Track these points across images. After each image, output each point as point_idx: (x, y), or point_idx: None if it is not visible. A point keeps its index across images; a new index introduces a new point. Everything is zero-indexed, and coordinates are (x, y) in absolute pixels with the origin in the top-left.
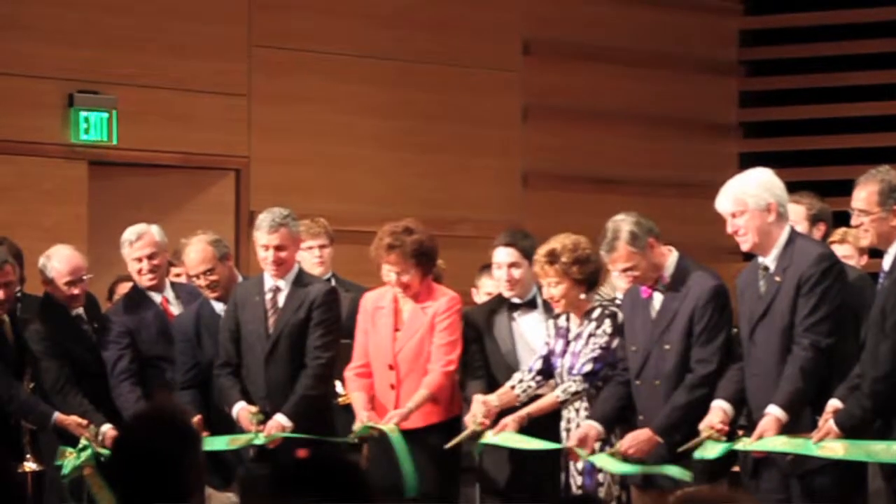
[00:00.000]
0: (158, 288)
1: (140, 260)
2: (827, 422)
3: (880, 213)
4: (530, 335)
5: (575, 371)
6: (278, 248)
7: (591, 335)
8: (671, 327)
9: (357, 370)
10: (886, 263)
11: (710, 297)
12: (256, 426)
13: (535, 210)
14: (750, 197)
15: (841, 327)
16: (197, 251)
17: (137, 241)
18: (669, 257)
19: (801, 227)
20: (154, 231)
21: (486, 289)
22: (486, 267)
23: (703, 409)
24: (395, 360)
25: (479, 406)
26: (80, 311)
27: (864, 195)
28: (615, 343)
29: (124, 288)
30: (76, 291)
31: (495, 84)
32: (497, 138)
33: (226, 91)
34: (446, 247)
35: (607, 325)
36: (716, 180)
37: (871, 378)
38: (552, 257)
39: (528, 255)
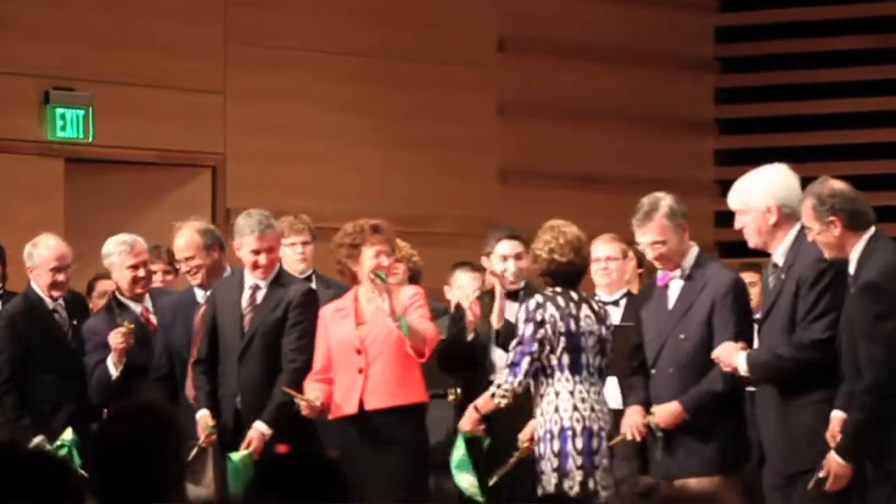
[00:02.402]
0: (140, 298)
1: (136, 267)
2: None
3: (819, 227)
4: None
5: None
6: (270, 251)
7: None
8: (688, 317)
9: (316, 376)
10: (851, 269)
11: (730, 288)
12: (206, 437)
13: (511, 207)
14: (752, 198)
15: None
16: (184, 237)
17: (132, 248)
18: (691, 250)
19: None
20: (140, 240)
21: (458, 283)
22: (460, 264)
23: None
24: (362, 344)
25: (531, 427)
26: (60, 304)
27: (803, 211)
28: (529, 330)
29: (104, 285)
30: (61, 278)
31: (471, 81)
32: (473, 135)
33: (202, 88)
34: (423, 244)
35: (521, 312)
36: (692, 177)
37: (856, 391)
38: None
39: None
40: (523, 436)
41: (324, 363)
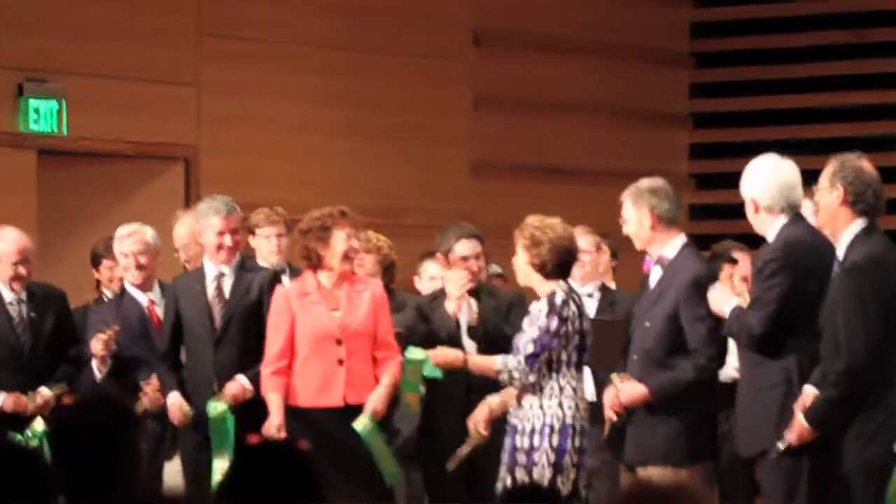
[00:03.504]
0: (145, 288)
1: (126, 256)
2: (797, 417)
3: (826, 188)
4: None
5: (519, 351)
6: (234, 232)
7: (528, 312)
8: (656, 306)
9: (275, 367)
10: (840, 253)
11: (688, 284)
12: (182, 418)
13: (484, 200)
14: (741, 187)
15: (784, 321)
16: (183, 225)
17: (128, 237)
18: (671, 241)
19: None
20: (147, 232)
21: (428, 273)
22: (429, 254)
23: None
24: (343, 334)
25: (484, 412)
26: (22, 297)
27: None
28: (553, 324)
29: (107, 264)
30: (23, 271)
31: (445, 74)
32: (447, 128)
33: (175, 80)
34: (396, 236)
35: (544, 303)
36: (666, 170)
37: (833, 371)
38: (522, 227)
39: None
40: (476, 423)
41: (282, 348)
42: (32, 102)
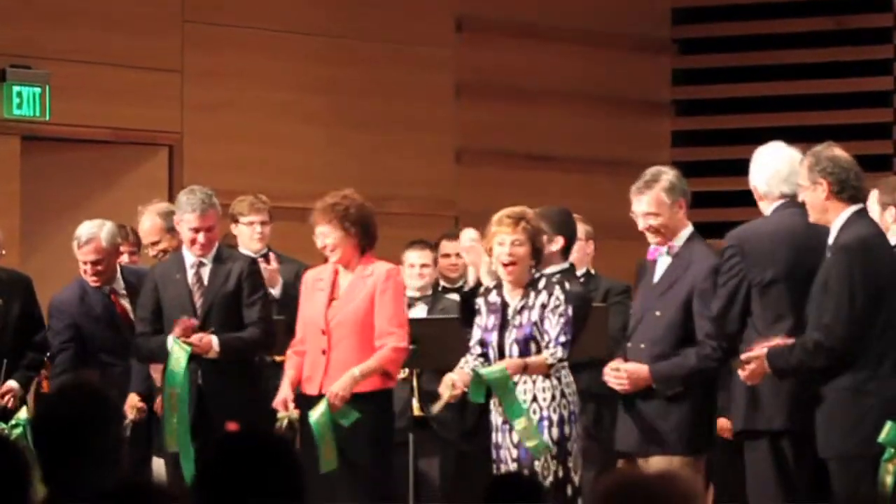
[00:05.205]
0: (107, 283)
1: (85, 263)
2: (761, 349)
3: (808, 185)
4: None
5: (552, 341)
6: (209, 230)
7: (543, 305)
8: (667, 295)
9: (295, 349)
10: (831, 239)
11: (709, 273)
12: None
13: (468, 187)
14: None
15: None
16: (148, 221)
17: (86, 244)
18: (684, 229)
19: None
20: (104, 235)
21: (410, 261)
22: (413, 243)
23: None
24: (327, 326)
25: (448, 379)
26: None
27: (800, 169)
28: (570, 311)
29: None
30: None
31: (428, 61)
32: (430, 115)
33: (158, 66)
34: (380, 224)
35: (558, 292)
36: (649, 158)
37: (816, 341)
38: (519, 217)
39: None
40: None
41: (303, 334)
42: (15, 88)
